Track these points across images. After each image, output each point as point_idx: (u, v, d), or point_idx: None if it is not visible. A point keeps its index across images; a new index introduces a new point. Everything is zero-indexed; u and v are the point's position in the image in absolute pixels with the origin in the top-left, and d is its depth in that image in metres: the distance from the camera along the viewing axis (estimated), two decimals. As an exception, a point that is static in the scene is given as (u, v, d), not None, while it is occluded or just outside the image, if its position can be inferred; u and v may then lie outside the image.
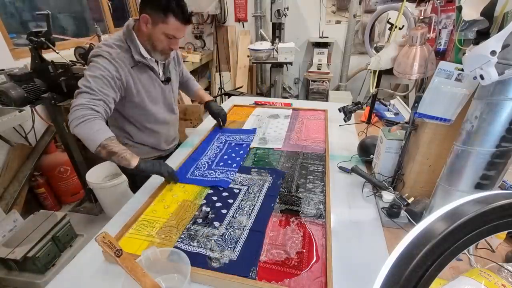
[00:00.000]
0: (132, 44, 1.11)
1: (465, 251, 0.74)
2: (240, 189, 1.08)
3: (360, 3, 3.51)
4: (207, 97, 1.58)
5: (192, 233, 0.87)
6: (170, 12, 1.02)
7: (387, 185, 1.02)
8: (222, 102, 2.28)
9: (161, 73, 1.26)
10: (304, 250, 0.81)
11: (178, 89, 1.45)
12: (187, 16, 1.05)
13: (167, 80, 1.29)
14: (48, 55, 1.74)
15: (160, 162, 1.10)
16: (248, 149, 1.38)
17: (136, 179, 1.30)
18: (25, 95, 1.58)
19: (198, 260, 0.77)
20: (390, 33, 1.11)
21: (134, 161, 1.01)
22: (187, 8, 1.05)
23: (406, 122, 0.98)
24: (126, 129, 1.28)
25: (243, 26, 4.09)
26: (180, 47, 3.79)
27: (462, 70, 0.71)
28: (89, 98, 0.99)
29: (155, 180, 1.15)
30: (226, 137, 1.49)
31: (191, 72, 3.76)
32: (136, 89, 1.15)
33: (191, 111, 2.89)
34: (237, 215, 0.95)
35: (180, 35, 1.10)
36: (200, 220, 0.93)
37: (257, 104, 1.98)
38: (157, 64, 1.23)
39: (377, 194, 1.02)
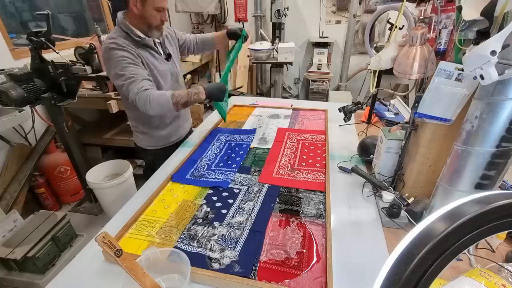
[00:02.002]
0: (128, 30, 1.21)
1: (465, 251, 0.74)
2: (240, 189, 1.08)
3: (360, 3, 3.51)
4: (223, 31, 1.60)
5: (192, 233, 0.87)
6: None
7: (387, 185, 1.02)
8: (222, 102, 2.28)
9: (161, 51, 1.36)
10: (304, 250, 0.81)
11: (180, 67, 1.52)
12: None
13: (169, 56, 1.39)
14: (48, 55, 1.73)
15: (219, 86, 1.28)
16: (248, 149, 1.38)
17: (155, 163, 1.38)
18: (25, 95, 1.58)
19: (198, 260, 0.77)
20: (390, 33, 1.11)
21: (202, 95, 1.21)
22: None
23: (406, 122, 0.98)
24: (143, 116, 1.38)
25: (243, 26, 4.08)
26: (180, 47, 3.81)
27: (462, 70, 0.71)
28: (136, 85, 1.15)
29: (155, 181, 1.15)
30: (226, 138, 1.49)
31: (191, 72, 3.81)
32: (148, 66, 1.27)
33: (191, 111, 2.89)
34: (237, 215, 0.95)
35: (166, 4, 1.22)
36: (200, 220, 0.93)
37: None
38: (154, 44, 1.32)
39: (377, 194, 1.02)
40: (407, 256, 0.32)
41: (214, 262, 0.77)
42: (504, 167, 0.65)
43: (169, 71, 1.39)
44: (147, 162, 1.64)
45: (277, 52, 3.29)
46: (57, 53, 1.73)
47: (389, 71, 1.01)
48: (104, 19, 3.17)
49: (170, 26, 3.96)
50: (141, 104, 1.16)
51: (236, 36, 1.48)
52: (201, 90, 1.20)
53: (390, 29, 1.15)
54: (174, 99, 1.16)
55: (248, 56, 3.71)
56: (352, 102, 1.42)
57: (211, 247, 0.82)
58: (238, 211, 0.97)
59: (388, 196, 0.96)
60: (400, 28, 1.09)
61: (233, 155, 1.33)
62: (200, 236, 0.86)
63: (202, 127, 1.69)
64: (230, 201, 1.02)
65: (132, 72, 1.16)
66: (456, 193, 0.70)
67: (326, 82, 3.67)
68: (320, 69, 3.70)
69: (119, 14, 1.23)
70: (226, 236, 0.86)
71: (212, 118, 1.78)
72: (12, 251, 1.48)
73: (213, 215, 0.95)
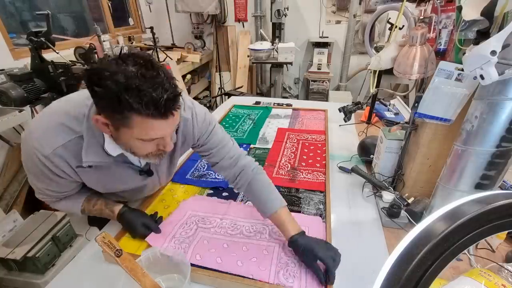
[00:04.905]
0: (91, 136, 0.68)
1: (465, 251, 0.74)
2: (240, 189, 1.08)
3: (360, 3, 3.51)
4: (293, 228, 0.78)
5: (192, 233, 0.87)
6: (131, 111, 0.57)
7: (387, 185, 1.02)
8: (222, 102, 2.28)
9: (142, 162, 0.83)
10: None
11: (175, 167, 0.99)
12: (164, 106, 0.58)
13: (149, 174, 0.85)
14: (48, 55, 1.73)
15: (142, 216, 0.86)
16: (248, 149, 1.38)
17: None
18: (25, 95, 1.58)
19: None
20: (390, 33, 1.11)
21: (115, 213, 0.85)
22: (161, 93, 0.57)
23: (406, 122, 0.98)
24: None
25: (243, 26, 4.08)
26: (180, 47, 3.80)
27: (462, 70, 0.71)
28: (49, 200, 0.81)
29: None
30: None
31: (191, 72, 3.81)
32: (88, 182, 0.79)
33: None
34: (237, 215, 0.94)
35: (164, 133, 0.65)
36: (200, 220, 0.92)
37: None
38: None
39: (377, 194, 1.02)
40: (407, 256, 0.32)
41: (214, 262, 0.76)
42: (504, 167, 0.65)
43: (138, 187, 0.89)
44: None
45: (277, 52, 3.29)
46: (57, 53, 1.73)
47: (389, 71, 1.01)
48: (104, 19, 3.17)
49: (170, 27, 4.00)
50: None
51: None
52: (115, 213, 0.85)
53: (390, 29, 1.15)
54: (84, 210, 0.86)
55: (248, 56, 3.71)
56: (352, 102, 1.42)
57: (211, 247, 0.81)
58: (238, 211, 0.96)
59: (388, 196, 0.96)
60: (400, 28, 1.09)
61: (233, 155, 1.32)
62: (200, 236, 0.86)
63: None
64: (230, 201, 1.02)
65: (48, 186, 0.75)
66: (456, 193, 0.70)
67: (326, 82, 3.66)
68: (320, 69, 3.70)
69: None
70: (226, 236, 0.86)
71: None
72: (12, 251, 1.48)
73: (213, 215, 0.94)
